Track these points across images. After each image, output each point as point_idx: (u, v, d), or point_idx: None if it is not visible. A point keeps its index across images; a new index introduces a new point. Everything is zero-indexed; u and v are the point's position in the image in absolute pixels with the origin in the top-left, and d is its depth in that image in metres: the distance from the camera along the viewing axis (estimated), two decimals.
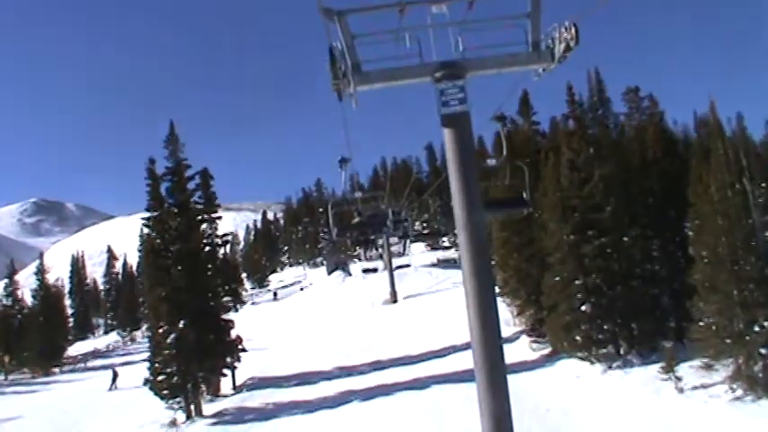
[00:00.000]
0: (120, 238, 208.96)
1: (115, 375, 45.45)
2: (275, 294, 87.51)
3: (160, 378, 32.35)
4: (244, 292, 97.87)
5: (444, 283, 58.88)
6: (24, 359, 65.96)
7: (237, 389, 36.43)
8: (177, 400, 32.21)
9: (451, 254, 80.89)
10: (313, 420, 27.75)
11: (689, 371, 24.19)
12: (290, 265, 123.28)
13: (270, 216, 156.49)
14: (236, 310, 62.67)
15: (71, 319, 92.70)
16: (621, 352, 28.21)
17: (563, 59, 6.94)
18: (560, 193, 29.61)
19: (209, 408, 33.17)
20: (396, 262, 57.59)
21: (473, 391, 21.12)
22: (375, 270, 63.59)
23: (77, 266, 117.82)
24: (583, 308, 28.35)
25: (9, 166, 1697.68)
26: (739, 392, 22.00)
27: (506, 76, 7.52)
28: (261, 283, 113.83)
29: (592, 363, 28.16)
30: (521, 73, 7.54)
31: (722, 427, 20.25)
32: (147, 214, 36.16)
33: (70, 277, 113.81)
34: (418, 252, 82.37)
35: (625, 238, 28.61)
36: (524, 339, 33.82)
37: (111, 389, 44.47)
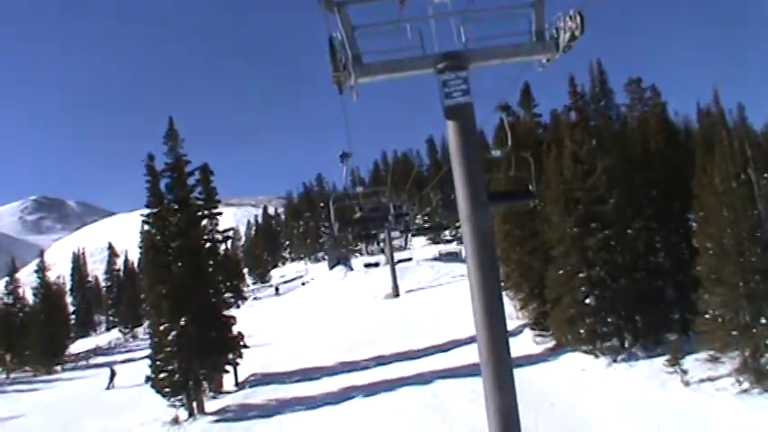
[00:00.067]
0: (121, 234, 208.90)
1: (113, 374, 45.26)
2: (277, 289, 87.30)
3: (162, 375, 32.20)
4: (245, 288, 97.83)
5: (446, 277, 58.66)
6: (26, 357, 65.88)
7: (240, 385, 36.28)
8: (179, 397, 32.07)
9: (453, 247, 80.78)
10: (316, 417, 27.64)
11: (695, 364, 24.01)
12: (292, 260, 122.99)
13: (271, 211, 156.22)
14: (238, 307, 62.60)
15: (73, 317, 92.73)
16: (626, 345, 28.02)
17: (568, 49, 6.81)
18: (563, 185, 29.38)
19: (211, 405, 33.05)
20: (397, 256, 57.57)
21: (478, 385, 20.87)
22: (377, 264, 63.68)
23: (78, 264, 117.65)
24: (587, 301, 28.18)
25: (9, 164, 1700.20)
26: (746, 385, 21.78)
27: (507, 67, 7.42)
28: (262, 278, 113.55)
29: (596, 356, 27.98)
30: (524, 64, 7.42)
31: (729, 420, 20.05)
32: (148, 211, 35.94)
33: (71, 275, 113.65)
34: (420, 246, 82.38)
35: (629, 231, 28.42)
36: (528, 333, 33.64)
37: (108, 387, 44.28)
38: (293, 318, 58.34)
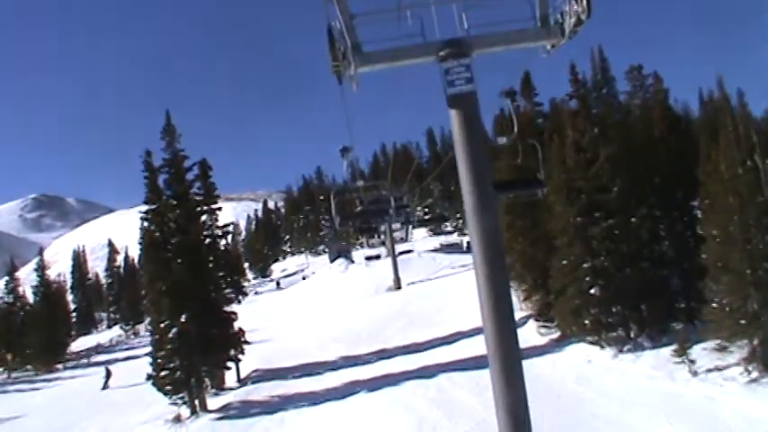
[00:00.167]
0: (121, 231, 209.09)
1: (108, 374, 44.95)
2: (278, 284, 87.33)
3: (163, 373, 31.93)
4: (246, 283, 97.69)
5: (448, 269, 58.49)
6: (27, 356, 65.61)
7: (242, 382, 36.01)
8: (181, 395, 31.80)
9: (454, 238, 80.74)
10: (320, 412, 27.37)
11: (702, 353, 23.76)
12: (292, 254, 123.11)
13: (271, 205, 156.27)
14: (239, 302, 62.33)
15: (74, 314, 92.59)
16: (632, 335, 27.75)
17: (573, 34, 6.60)
18: (565, 174, 29.06)
19: (213, 402, 32.78)
20: (398, 248, 57.39)
21: (482, 378, 20.64)
22: (378, 257, 63.51)
23: (79, 261, 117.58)
24: (591, 291, 27.90)
25: (9, 162, 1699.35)
26: (755, 374, 21.55)
27: (505, 56, 7.23)
28: (263, 272, 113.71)
29: (602, 347, 27.73)
30: (526, 51, 7.19)
31: (739, 410, 19.78)
32: (146, 207, 35.59)
33: (72, 272, 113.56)
34: (420, 237, 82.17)
35: (633, 219, 28.13)
36: (532, 324, 33.36)
37: (104, 388, 43.99)
38: (295, 312, 58.17)
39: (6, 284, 72.02)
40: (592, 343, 28.23)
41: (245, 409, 30.69)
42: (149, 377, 32.49)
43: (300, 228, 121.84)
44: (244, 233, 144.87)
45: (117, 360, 58.79)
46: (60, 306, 78.46)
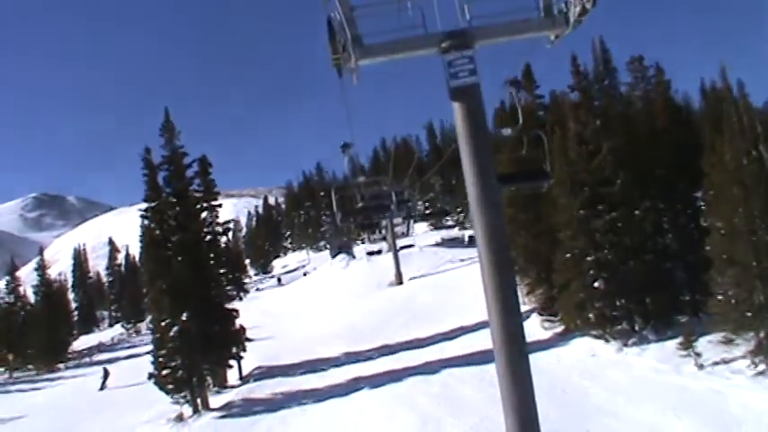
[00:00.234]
0: (122, 229, 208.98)
1: (106, 374, 44.77)
2: (279, 280, 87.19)
3: (165, 372, 31.74)
4: (247, 279, 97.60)
5: (449, 263, 58.30)
6: (29, 356, 65.57)
7: (244, 379, 35.82)
8: (183, 394, 31.62)
9: (455, 233, 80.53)
10: (323, 410, 27.19)
11: (708, 346, 23.59)
12: (293, 250, 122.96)
13: (271, 201, 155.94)
14: (240, 299, 62.15)
15: (75, 313, 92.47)
16: (636, 328, 27.54)
17: (578, 24, 6.54)
18: (567, 167, 28.82)
19: (216, 400, 32.59)
20: (399, 243, 57.18)
21: (486, 374, 20.49)
22: (379, 252, 63.31)
23: (79, 260, 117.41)
24: (596, 284, 27.70)
25: (9, 162, 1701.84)
26: (762, 367, 21.33)
27: (508, 46, 7.15)
28: (264, 268, 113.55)
29: (607, 340, 27.53)
30: (529, 42, 7.12)
31: (746, 403, 19.59)
32: (146, 205, 35.37)
33: (73, 271, 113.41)
34: (421, 232, 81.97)
35: (636, 212, 27.91)
36: (535, 319, 33.12)
37: (102, 388, 43.79)
38: (296, 308, 58.06)
39: (7, 284, 71.85)
40: (596, 337, 28.05)
41: (247, 407, 30.50)
42: (151, 376, 32.31)
43: (301, 224, 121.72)
44: (244, 229, 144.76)
45: (119, 359, 58.78)
46: (61, 305, 78.31)
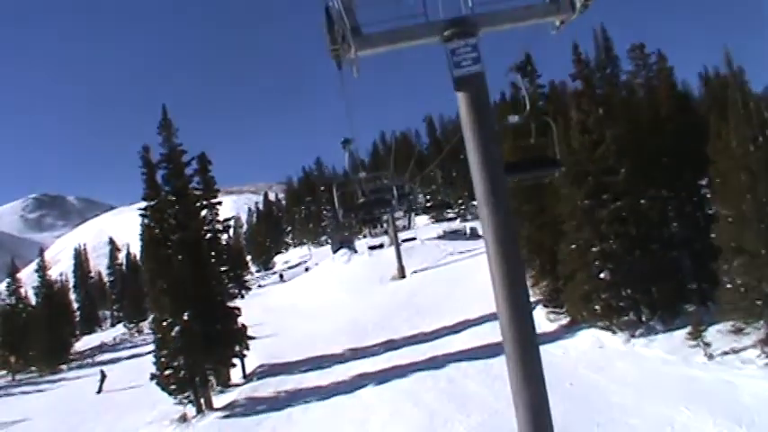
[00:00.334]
0: (123, 227, 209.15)
1: (103, 377, 44.45)
2: (281, 276, 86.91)
3: (167, 373, 31.46)
4: (249, 276, 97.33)
5: (452, 256, 58.03)
6: (30, 358, 65.40)
7: (248, 377, 35.57)
8: (186, 394, 31.36)
9: (457, 225, 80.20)
10: (328, 408, 26.96)
11: (717, 335, 23.35)
12: (295, 246, 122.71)
13: (272, 197, 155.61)
14: (242, 297, 61.96)
15: (77, 314, 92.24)
16: (643, 319, 27.25)
17: (584, 9, 6.23)
18: (571, 156, 28.46)
19: (219, 399, 32.36)
20: (401, 236, 56.81)
21: (492, 368, 20.14)
22: (381, 246, 62.92)
23: (80, 260, 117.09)
24: (601, 275, 27.39)
25: (9, 163, 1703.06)
26: None
27: (510, 34, 6.74)
28: (266, 265, 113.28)
29: (613, 332, 27.24)
30: (535, 27, 6.71)
31: (759, 393, 19.28)
32: (145, 204, 35.07)
33: (74, 271, 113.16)
34: (423, 225, 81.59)
35: (642, 201, 27.58)
36: (540, 311, 32.80)
37: (99, 391, 43.49)
38: (299, 305, 57.77)
39: (8, 286, 71.58)
40: (603, 328, 27.75)
41: (251, 406, 30.27)
42: (153, 377, 32.05)
43: (302, 219, 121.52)
44: (245, 226, 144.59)
45: (121, 359, 58.62)
46: (63, 306, 78.09)
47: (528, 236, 32.90)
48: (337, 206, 12.48)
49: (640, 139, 28.74)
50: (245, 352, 35.58)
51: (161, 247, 33.78)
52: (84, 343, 79.31)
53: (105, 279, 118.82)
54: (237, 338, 34.87)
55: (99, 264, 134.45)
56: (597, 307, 27.62)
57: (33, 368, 65.02)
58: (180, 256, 32.99)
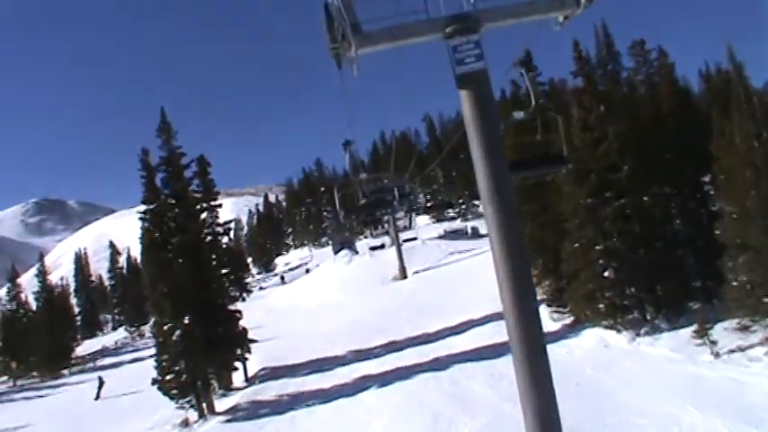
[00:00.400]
0: (124, 231, 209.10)
1: (101, 384, 44.19)
2: (282, 278, 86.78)
3: (168, 377, 31.28)
4: (250, 278, 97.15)
5: (453, 255, 57.91)
6: (32, 363, 65.25)
7: (250, 381, 35.36)
8: (188, 399, 31.17)
9: (458, 224, 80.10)
10: (331, 411, 26.72)
11: (723, 333, 23.12)
12: (295, 247, 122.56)
13: (272, 199, 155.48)
14: (243, 300, 61.77)
15: (78, 318, 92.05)
16: (648, 317, 27.02)
17: (590, 3, 6.17)
18: (573, 154, 28.21)
19: (221, 404, 32.18)
20: (402, 236, 56.73)
21: (496, 368, 19.91)
22: (382, 246, 62.81)
23: (81, 264, 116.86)
24: (605, 274, 27.19)
25: (8, 168, 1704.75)
26: None
27: (510, 30, 6.77)
28: (267, 267, 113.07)
29: (618, 331, 26.99)
30: (539, 23, 6.67)
31: (767, 391, 19.02)
32: (145, 207, 34.86)
33: (75, 275, 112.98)
34: (423, 224, 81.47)
35: (644, 198, 27.37)
36: (544, 310, 32.51)
37: (97, 398, 43.24)
38: (300, 306, 57.66)
39: (8, 291, 71.43)
40: (607, 327, 27.52)
41: (254, 410, 30.07)
42: (155, 381, 31.84)
43: (302, 220, 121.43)
44: (246, 228, 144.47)
45: (123, 363, 58.53)
46: (63, 310, 77.82)
47: (530, 235, 32.62)
48: (339, 208, 12.34)
49: (642, 136, 28.55)
50: (247, 355, 35.39)
51: (161, 250, 33.59)
52: (85, 347, 79.15)
53: (106, 283, 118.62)
54: (239, 342, 34.68)
55: (100, 267, 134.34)
56: (601, 306, 27.39)
57: (35, 373, 64.90)
58: (180, 260, 32.82)
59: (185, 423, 30.25)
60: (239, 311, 35.74)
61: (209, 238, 38.29)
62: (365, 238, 75.17)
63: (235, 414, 30.35)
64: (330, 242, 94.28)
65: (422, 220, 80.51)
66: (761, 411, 17.84)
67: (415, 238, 61.94)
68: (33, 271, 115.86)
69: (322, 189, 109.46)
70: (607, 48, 31.53)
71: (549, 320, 31.58)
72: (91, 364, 65.14)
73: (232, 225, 59.27)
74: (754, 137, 21.95)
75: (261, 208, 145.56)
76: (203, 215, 38.30)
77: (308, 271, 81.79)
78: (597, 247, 27.33)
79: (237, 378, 35.55)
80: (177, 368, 31.24)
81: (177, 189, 34.95)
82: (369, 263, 64.02)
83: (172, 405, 31.27)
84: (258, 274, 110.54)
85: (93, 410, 39.44)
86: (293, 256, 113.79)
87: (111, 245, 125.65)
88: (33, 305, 72.83)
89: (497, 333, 28.86)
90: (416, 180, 36.77)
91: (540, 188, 30.10)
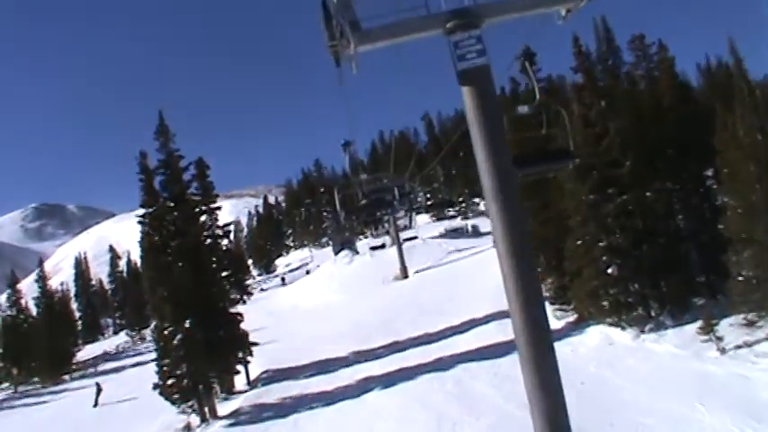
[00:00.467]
0: (124, 234, 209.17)
1: (99, 390, 43.80)
2: (283, 279, 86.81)
3: (170, 382, 31.09)
4: (251, 280, 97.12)
5: (454, 254, 57.77)
6: (33, 369, 65.12)
7: (252, 384, 35.18)
8: (190, 403, 30.97)
9: (458, 223, 80.00)
10: (334, 413, 26.51)
11: (729, 329, 22.87)
12: (296, 248, 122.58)
13: (271, 200, 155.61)
14: (244, 302, 61.60)
15: (79, 323, 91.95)
16: (652, 314, 26.78)
17: None
18: (575, 150, 27.98)
19: (224, 407, 32.00)
20: (402, 235, 56.60)
21: (500, 368, 19.72)
22: (383, 246, 62.71)
23: (81, 268, 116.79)
24: (609, 271, 26.96)
25: (8, 173, 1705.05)
26: None
27: (511, 25, 6.63)
28: (267, 268, 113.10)
29: (623, 328, 26.75)
30: (541, 17, 6.60)
31: None
32: (143, 211, 34.66)
33: (75, 280, 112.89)
34: (423, 223, 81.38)
35: (647, 194, 27.16)
36: (547, 308, 32.25)
37: (95, 404, 42.90)
38: (301, 307, 57.57)
39: (9, 297, 71.24)
40: (611, 324, 27.27)
41: (256, 414, 29.86)
42: (156, 386, 31.64)
43: (302, 221, 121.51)
44: (246, 230, 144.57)
45: (125, 367, 58.37)
46: (64, 315, 77.87)
47: (532, 232, 32.49)
48: (339, 209, 12.20)
49: (643, 131, 28.33)
50: (249, 358, 35.18)
51: (161, 254, 33.39)
52: (86, 352, 79.07)
53: (107, 287, 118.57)
54: (240, 345, 34.47)
55: (100, 272, 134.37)
56: (605, 303, 27.14)
57: (36, 379, 64.73)
58: (180, 263, 32.60)
59: (188, 428, 30.13)
60: (240, 314, 35.53)
61: (208, 240, 38.06)
62: (365, 237, 75.02)
63: (237, 418, 30.12)
64: (330, 243, 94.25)
65: (422, 219, 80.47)
66: None
67: (415, 237, 61.82)
68: (33, 276, 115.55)
69: (321, 190, 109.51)
70: (607, 43, 31.34)
71: (553, 318, 31.30)
72: (92, 369, 64.94)
73: (232, 227, 59.08)
74: (758, 130, 21.74)
75: (260, 209, 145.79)
76: (203, 218, 38.07)
77: (308, 272, 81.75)
78: (600, 244, 27.10)
79: (239, 381, 35.40)
80: (179, 372, 31.04)
81: (176, 192, 34.74)
82: (369, 263, 63.88)
83: (173, 410, 31.08)
84: (259, 275, 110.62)
85: (94, 416, 39.27)
86: (293, 257, 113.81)
87: (112, 249, 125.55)
88: (34, 311, 72.63)
89: (500, 332, 28.75)
90: (416, 179, 36.64)
91: (541, 185, 29.87)
